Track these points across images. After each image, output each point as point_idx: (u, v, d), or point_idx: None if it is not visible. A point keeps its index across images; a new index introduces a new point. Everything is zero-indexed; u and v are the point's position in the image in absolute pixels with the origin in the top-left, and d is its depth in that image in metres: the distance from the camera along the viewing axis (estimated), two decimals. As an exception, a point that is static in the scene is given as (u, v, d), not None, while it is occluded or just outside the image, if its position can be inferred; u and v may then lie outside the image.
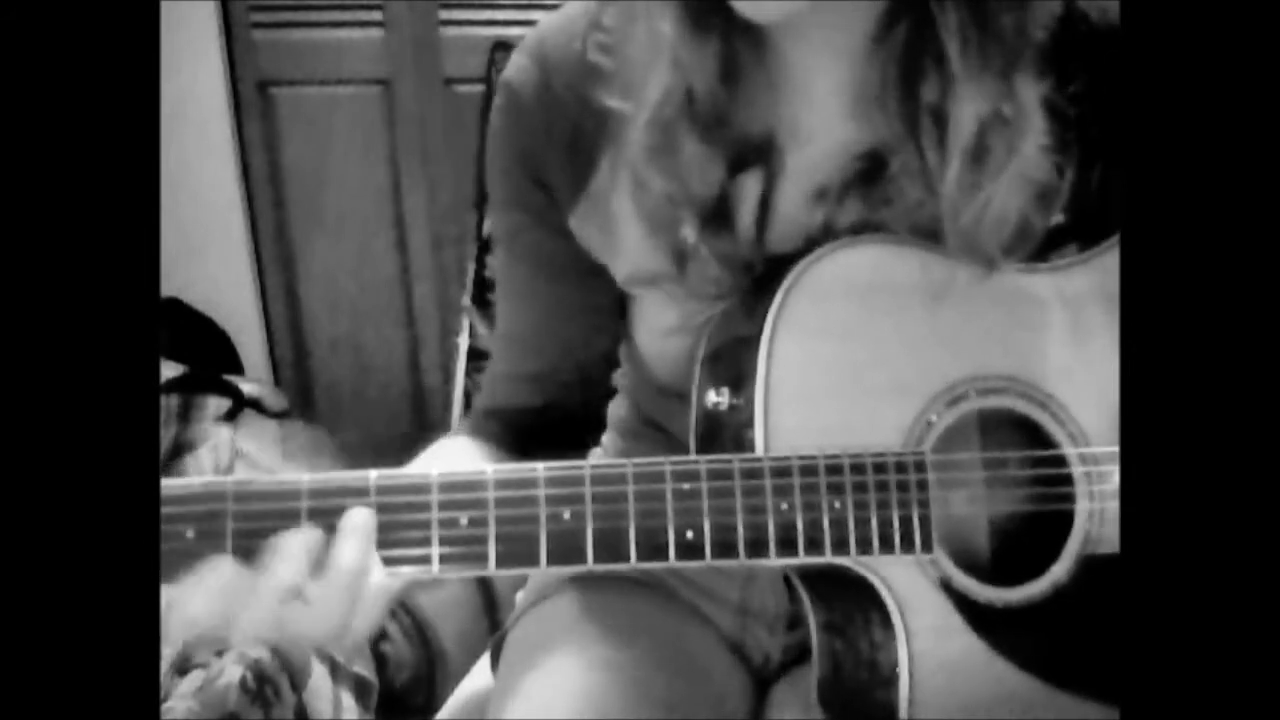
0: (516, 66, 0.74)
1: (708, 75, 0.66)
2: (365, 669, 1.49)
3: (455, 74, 1.90)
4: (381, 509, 0.60)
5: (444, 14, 1.88)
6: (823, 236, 0.70)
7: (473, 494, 0.61)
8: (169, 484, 0.58)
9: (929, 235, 0.68)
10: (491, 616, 1.40)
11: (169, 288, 1.89)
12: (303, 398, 2.09)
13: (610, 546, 0.61)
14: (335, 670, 1.47)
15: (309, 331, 2.07)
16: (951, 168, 0.65)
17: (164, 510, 0.58)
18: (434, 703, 1.25)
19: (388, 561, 0.60)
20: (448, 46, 1.89)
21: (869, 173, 0.70)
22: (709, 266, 0.71)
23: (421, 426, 2.11)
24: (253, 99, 1.92)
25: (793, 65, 0.70)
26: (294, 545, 0.59)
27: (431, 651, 1.57)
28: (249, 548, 0.59)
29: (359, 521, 0.60)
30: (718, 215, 0.70)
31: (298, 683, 1.42)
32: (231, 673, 1.35)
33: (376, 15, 1.88)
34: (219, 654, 1.35)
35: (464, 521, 0.60)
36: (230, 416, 1.78)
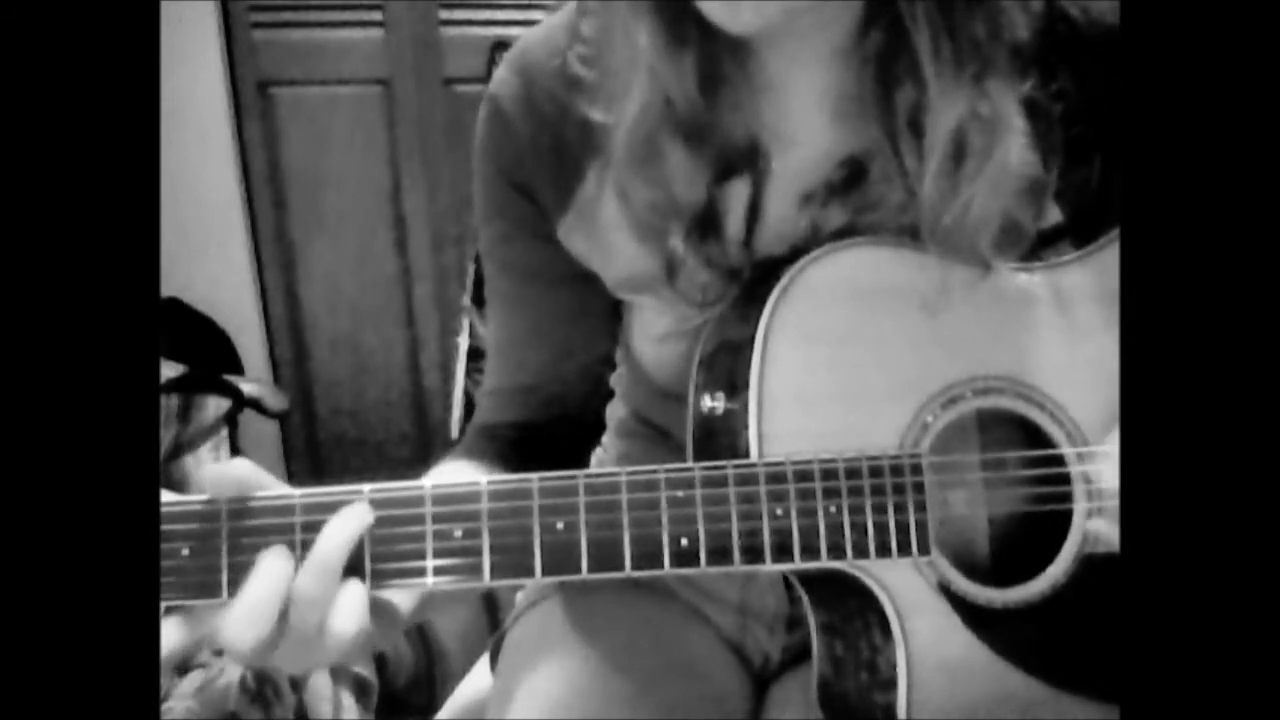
0: (500, 79, 0.74)
1: (686, 85, 0.66)
2: (365, 669, 1.50)
3: (455, 74, 1.90)
4: (375, 522, 0.60)
5: (444, 14, 1.89)
6: (810, 241, 0.70)
7: (467, 506, 0.60)
8: (164, 501, 0.58)
9: (915, 238, 0.68)
10: (491, 616, 1.40)
11: (169, 288, 1.89)
12: (303, 398, 2.09)
13: (605, 556, 0.61)
14: (335, 670, 1.47)
15: (309, 331, 2.07)
16: (929, 171, 0.65)
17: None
18: (434, 703, 1.25)
19: (382, 575, 0.60)
20: (448, 46, 1.90)
21: (852, 177, 0.70)
22: (698, 273, 0.71)
23: (421, 427, 2.12)
24: (253, 99, 1.92)
25: (774, 72, 0.70)
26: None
27: (431, 651, 1.57)
28: (243, 563, 0.58)
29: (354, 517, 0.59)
30: (705, 222, 0.70)
31: (298, 683, 1.42)
32: (231, 673, 1.35)
33: (376, 15, 1.89)
34: (218, 654, 1.35)
35: (458, 534, 0.60)
36: (230, 416, 1.78)
